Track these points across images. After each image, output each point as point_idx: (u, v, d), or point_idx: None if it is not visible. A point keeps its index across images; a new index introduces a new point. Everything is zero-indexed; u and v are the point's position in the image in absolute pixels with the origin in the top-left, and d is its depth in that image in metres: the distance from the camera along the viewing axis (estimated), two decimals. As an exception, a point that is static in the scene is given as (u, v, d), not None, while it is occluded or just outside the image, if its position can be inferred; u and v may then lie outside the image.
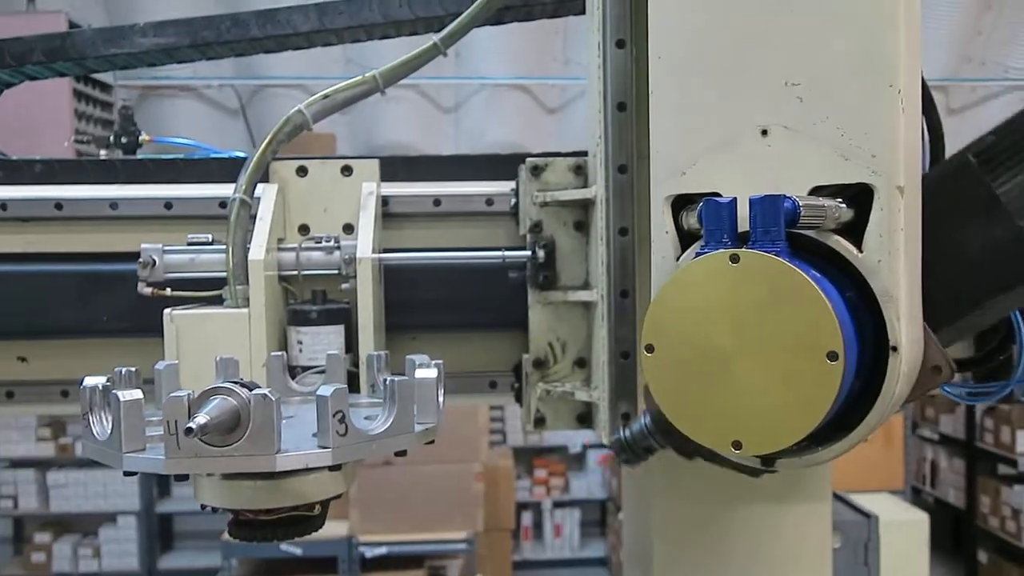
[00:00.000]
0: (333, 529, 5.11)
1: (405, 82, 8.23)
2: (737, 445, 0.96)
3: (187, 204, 1.87)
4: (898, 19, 1.01)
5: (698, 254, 0.99)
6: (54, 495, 7.44)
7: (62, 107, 5.25)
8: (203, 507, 1.15)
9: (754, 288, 0.93)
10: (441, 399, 1.20)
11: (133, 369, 1.16)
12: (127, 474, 1.07)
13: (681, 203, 1.09)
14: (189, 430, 0.98)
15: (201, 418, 0.99)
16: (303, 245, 1.76)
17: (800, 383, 0.93)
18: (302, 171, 1.84)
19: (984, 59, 7.55)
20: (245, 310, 1.63)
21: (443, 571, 5.43)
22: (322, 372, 1.52)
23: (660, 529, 1.93)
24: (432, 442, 1.19)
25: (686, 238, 1.09)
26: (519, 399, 1.86)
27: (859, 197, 1.02)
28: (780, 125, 1.04)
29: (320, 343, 1.67)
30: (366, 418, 1.13)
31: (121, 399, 1.03)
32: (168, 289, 1.69)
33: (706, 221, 0.97)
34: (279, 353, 1.41)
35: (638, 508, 2.10)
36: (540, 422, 1.78)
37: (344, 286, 1.71)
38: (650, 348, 0.99)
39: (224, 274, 1.65)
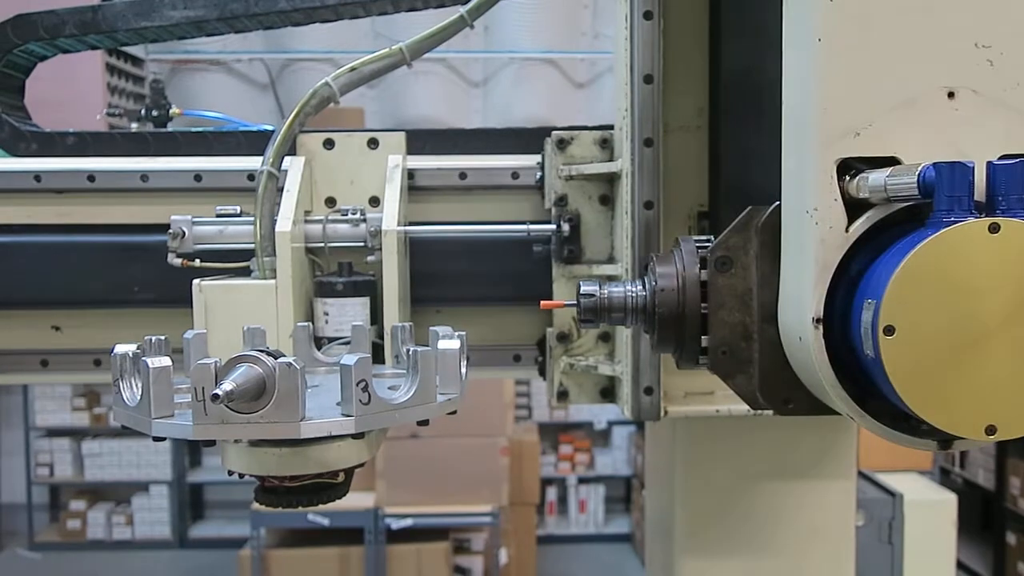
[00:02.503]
0: (359, 500, 5.18)
1: (433, 56, 8.16)
2: (991, 430, 0.90)
3: (216, 176, 1.89)
4: None
5: (937, 223, 0.89)
6: (88, 464, 7.60)
7: (95, 81, 5.30)
8: (230, 473, 1.18)
9: (1016, 260, 0.87)
10: (464, 370, 1.21)
11: (163, 337, 1.19)
12: (156, 439, 1.10)
13: (843, 169, 1.00)
14: (215, 396, 1.00)
15: (227, 385, 1.01)
16: (329, 217, 1.78)
17: None
18: (329, 144, 1.85)
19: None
20: (272, 281, 1.65)
21: (467, 543, 5.49)
22: (347, 343, 1.55)
23: (682, 503, 1.93)
24: (454, 412, 1.20)
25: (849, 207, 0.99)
26: (542, 373, 1.87)
27: None
28: (968, 88, 0.98)
29: (346, 315, 1.69)
30: (389, 388, 1.14)
31: (150, 366, 1.05)
32: (197, 260, 1.72)
33: (946, 186, 0.88)
34: (305, 324, 1.43)
35: (661, 482, 2.10)
36: (563, 395, 1.79)
37: (370, 258, 1.73)
38: (890, 330, 0.88)
39: (252, 246, 1.67)
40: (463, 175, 1.88)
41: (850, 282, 0.98)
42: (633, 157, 1.58)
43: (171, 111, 2.55)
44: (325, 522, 5.07)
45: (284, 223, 1.67)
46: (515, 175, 1.87)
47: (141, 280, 1.86)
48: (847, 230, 0.99)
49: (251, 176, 1.88)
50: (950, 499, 4.50)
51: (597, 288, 1.27)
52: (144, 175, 1.87)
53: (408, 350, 1.13)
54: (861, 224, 0.99)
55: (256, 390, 1.03)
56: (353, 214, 1.77)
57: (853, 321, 0.95)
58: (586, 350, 1.79)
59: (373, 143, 1.85)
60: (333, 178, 1.86)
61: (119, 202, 1.89)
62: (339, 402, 1.11)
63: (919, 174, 0.89)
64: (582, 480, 7.88)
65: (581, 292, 1.27)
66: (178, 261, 1.72)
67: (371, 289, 1.72)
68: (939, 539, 4.15)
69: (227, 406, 1.02)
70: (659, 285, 1.19)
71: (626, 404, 1.65)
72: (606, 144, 1.76)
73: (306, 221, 1.77)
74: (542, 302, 1.39)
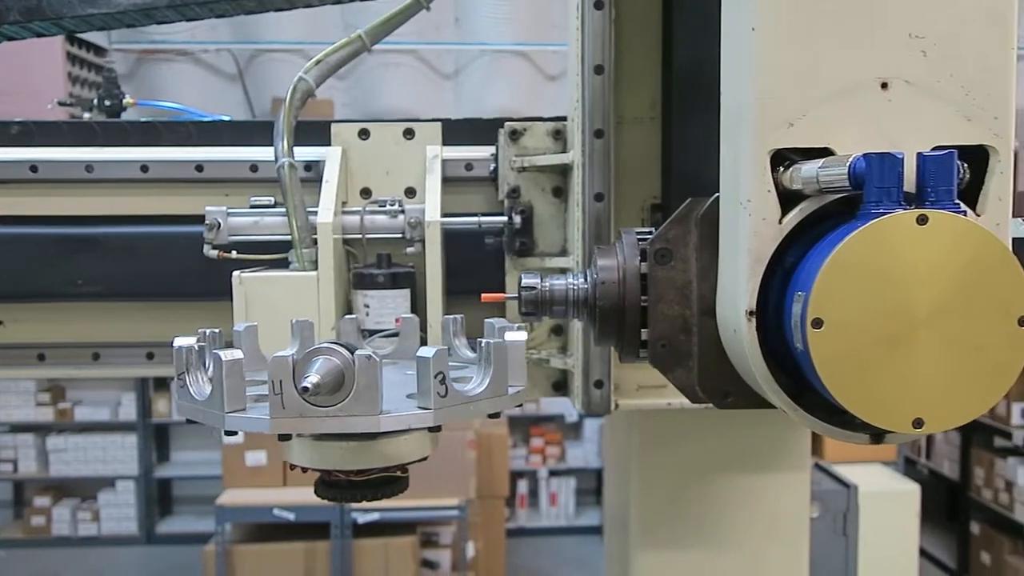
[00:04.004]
0: (326, 495, 5.14)
1: (404, 48, 8.11)
2: (918, 423, 0.89)
3: (165, 167, 1.85)
4: None
5: (866, 215, 0.88)
6: (53, 459, 7.50)
7: (55, 70, 5.20)
8: (292, 467, 1.15)
9: (944, 252, 0.86)
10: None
11: (217, 330, 1.17)
12: (228, 434, 1.07)
13: (777, 160, 0.99)
14: (305, 389, 0.99)
15: (314, 377, 1.00)
16: (367, 208, 1.76)
17: (990, 350, 0.88)
18: (364, 134, 1.83)
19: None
20: (314, 273, 1.63)
21: (435, 537, 5.47)
22: (392, 336, 1.55)
23: (638, 497, 1.93)
24: (521, 405, 1.20)
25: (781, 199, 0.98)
26: (496, 366, 1.85)
27: (967, 159, 0.97)
28: (902, 79, 0.97)
29: (387, 307, 1.67)
30: (454, 380, 1.13)
31: (223, 359, 1.03)
32: (234, 252, 1.69)
33: (875, 178, 0.87)
34: (352, 316, 1.42)
35: (619, 476, 2.10)
36: (516, 389, 1.77)
37: (409, 250, 1.72)
38: (818, 323, 0.87)
39: (280, 238, 1.66)
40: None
41: (785, 274, 0.97)
42: (584, 149, 1.57)
43: (125, 101, 2.50)
44: (291, 517, 5.03)
45: (325, 214, 1.66)
46: (469, 166, 1.85)
47: (86, 273, 1.82)
48: (780, 222, 0.98)
49: (199, 167, 1.85)
50: (912, 490, 4.55)
51: (538, 281, 1.25)
52: (89, 165, 1.83)
53: (482, 342, 1.12)
54: (794, 216, 0.98)
55: (336, 383, 1.02)
56: (391, 205, 1.75)
57: (786, 314, 0.94)
58: (539, 343, 1.78)
59: (409, 133, 1.83)
60: (368, 169, 1.83)
61: (63, 193, 1.85)
62: (409, 394, 1.10)
63: (850, 165, 0.88)
64: (553, 473, 7.89)
65: (522, 285, 1.25)
66: (214, 253, 1.70)
67: (411, 281, 1.70)
68: (900, 530, 4.20)
69: (305, 399, 1.00)
70: (600, 278, 1.18)
71: (577, 398, 1.64)
72: (559, 135, 1.74)
73: (343, 212, 1.75)
74: (483, 295, 1.37)
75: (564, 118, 1.76)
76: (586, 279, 1.22)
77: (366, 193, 1.83)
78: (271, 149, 1.86)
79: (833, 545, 3.57)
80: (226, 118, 2.06)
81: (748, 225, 0.99)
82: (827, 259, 0.87)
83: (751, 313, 0.98)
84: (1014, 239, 1.02)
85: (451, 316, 1.33)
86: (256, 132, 1.91)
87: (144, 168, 1.84)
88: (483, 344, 1.11)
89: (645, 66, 1.69)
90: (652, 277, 1.14)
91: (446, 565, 5.46)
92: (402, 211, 1.74)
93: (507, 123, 1.74)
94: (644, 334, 1.16)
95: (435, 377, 1.03)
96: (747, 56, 0.99)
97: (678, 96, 1.66)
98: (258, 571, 5.14)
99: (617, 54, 1.59)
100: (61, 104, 2.73)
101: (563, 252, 1.74)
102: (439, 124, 1.84)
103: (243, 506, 5.18)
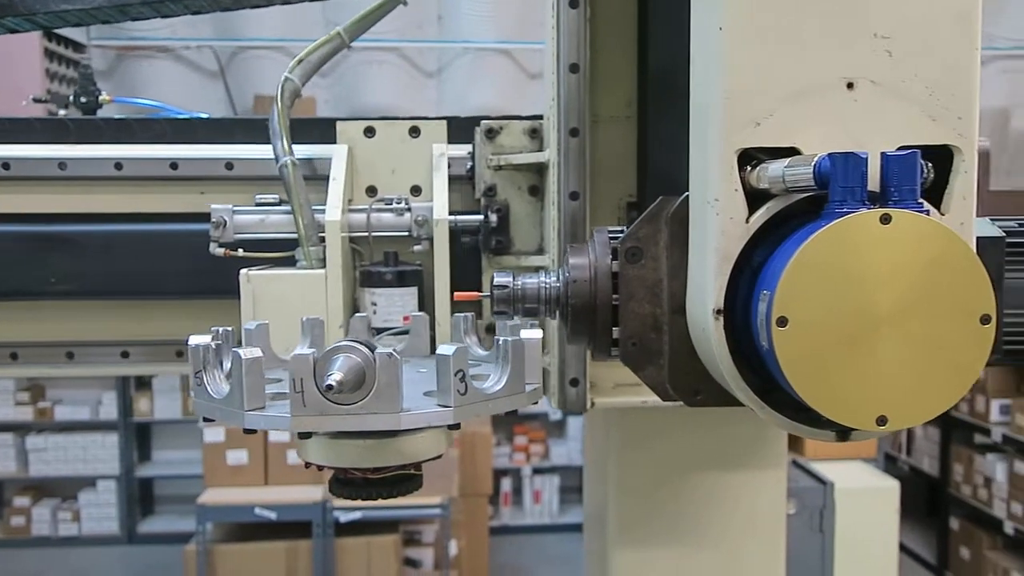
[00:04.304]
0: (307, 493, 5.14)
1: (387, 45, 8.07)
2: (882, 420, 0.89)
3: (138, 164, 1.84)
4: None
5: (830, 215, 0.88)
6: (33, 459, 7.43)
7: (33, 67, 5.16)
8: (307, 465, 1.14)
9: (907, 251, 0.87)
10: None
11: (230, 328, 1.17)
12: (247, 431, 1.07)
13: (744, 159, 0.99)
14: (329, 387, 0.99)
15: (338, 375, 0.99)
16: (374, 206, 1.76)
17: (952, 348, 0.88)
18: (370, 131, 1.83)
19: None
20: (322, 271, 1.63)
21: (418, 535, 5.47)
22: (401, 333, 1.54)
23: (616, 494, 1.93)
24: (537, 403, 1.20)
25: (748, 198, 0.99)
26: (474, 364, 1.85)
27: (932, 159, 0.98)
28: (867, 79, 0.97)
29: (395, 304, 1.67)
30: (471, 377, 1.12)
31: (243, 356, 1.02)
32: (240, 250, 1.69)
33: (840, 177, 0.87)
34: (363, 314, 1.42)
35: (597, 474, 2.10)
36: (493, 388, 1.77)
37: (416, 248, 1.72)
38: (783, 321, 0.87)
39: (287, 236, 1.66)
40: (393, 164, 1.85)
41: (752, 272, 0.97)
42: (560, 147, 1.57)
43: (101, 98, 2.47)
44: (272, 516, 5.01)
45: (333, 212, 1.65)
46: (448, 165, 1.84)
47: (59, 271, 1.81)
48: (748, 221, 0.98)
49: (174, 165, 1.84)
50: (891, 486, 4.58)
51: (511, 279, 1.25)
52: (62, 163, 1.82)
53: (499, 340, 1.12)
54: (761, 215, 0.98)
55: (357, 381, 1.01)
56: (397, 203, 1.75)
57: (753, 312, 0.94)
58: (515, 342, 1.77)
59: (415, 131, 1.83)
60: (374, 167, 1.83)
61: (36, 191, 1.83)
62: (427, 392, 1.10)
63: (815, 165, 0.89)
64: (537, 471, 7.90)
65: (494, 283, 1.25)
66: (220, 251, 1.69)
67: (418, 279, 1.70)
68: (879, 526, 4.22)
69: (326, 397, 1.00)
70: (571, 276, 1.18)
71: (553, 396, 1.64)
72: (535, 134, 1.74)
73: (350, 210, 1.75)
74: (455, 293, 1.37)
75: (541, 117, 1.76)
76: (558, 278, 1.23)
77: (372, 191, 1.82)
78: (247, 147, 1.86)
79: (809, 542, 3.60)
80: (203, 115, 2.05)
81: (716, 224, 0.99)
82: (791, 258, 0.87)
83: (719, 312, 0.99)
84: (980, 238, 1.03)
85: (462, 314, 1.33)
86: (232, 129, 1.90)
87: (118, 166, 1.82)
88: (500, 342, 1.11)
89: (621, 65, 1.69)
90: (623, 275, 1.14)
91: (429, 563, 5.46)
92: (408, 209, 1.74)
93: (483, 121, 1.74)
94: (616, 332, 1.16)
95: (455, 375, 1.04)
96: (715, 56, 0.99)
97: (654, 95, 1.66)
98: (240, 570, 5.13)
99: (593, 53, 1.60)
100: (36, 100, 2.70)
101: (539, 250, 1.74)
102: (445, 122, 1.85)
103: (224, 505, 5.16)
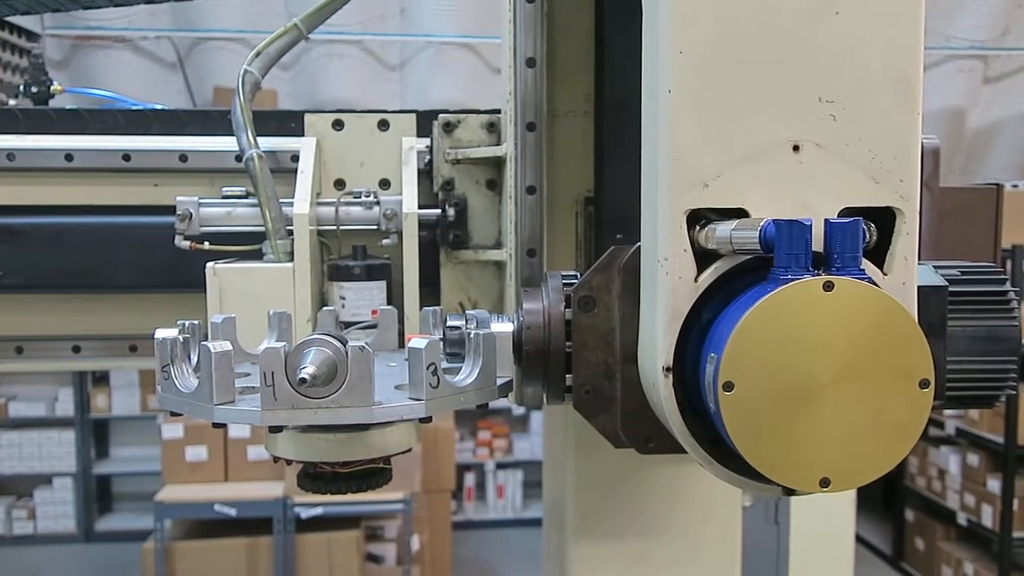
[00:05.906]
0: (268, 489, 5.09)
1: (350, 38, 7.99)
2: (825, 482, 0.91)
3: (90, 156, 1.81)
4: (920, 47, 1.00)
5: (775, 280, 0.90)
6: (-14, 457, 7.30)
7: (-16, 56, 5.03)
8: (276, 460, 1.13)
9: (849, 317, 0.88)
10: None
11: (196, 321, 1.15)
12: (216, 426, 1.06)
13: (694, 219, 1.00)
14: (303, 380, 0.98)
15: (310, 368, 0.98)
16: (342, 200, 1.74)
17: (893, 412, 0.90)
18: (338, 124, 1.82)
19: None
20: (290, 265, 1.61)
21: (380, 531, 5.45)
22: (369, 327, 1.53)
23: (574, 488, 1.94)
24: (506, 396, 1.21)
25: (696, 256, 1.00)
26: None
27: (875, 219, 1.00)
28: (812, 142, 0.99)
29: (363, 298, 1.66)
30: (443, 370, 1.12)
31: (212, 350, 1.01)
32: (206, 243, 1.66)
33: (784, 244, 0.89)
34: (331, 308, 1.41)
35: (555, 467, 2.11)
36: (451, 383, 1.77)
37: (385, 241, 1.71)
38: (729, 386, 0.89)
39: (254, 229, 1.65)
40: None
41: (702, 330, 0.98)
42: (516, 141, 1.57)
43: (52, 88, 2.43)
44: (232, 512, 4.96)
45: (302, 205, 1.64)
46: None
47: (8, 264, 1.77)
48: (696, 280, 1.00)
49: (127, 156, 1.81)
50: (848, 479, 4.63)
51: (463, 323, 1.25)
52: (11, 154, 1.78)
53: (470, 333, 1.12)
54: (710, 274, 0.99)
55: (329, 374, 1.01)
56: (366, 196, 1.74)
57: (702, 370, 0.95)
58: (473, 336, 1.78)
59: (384, 125, 1.83)
60: (342, 160, 1.82)
61: (-17, 182, 1.79)
62: (398, 385, 1.09)
63: (760, 230, 0.90)
64: (500, 465, 7.91)
65: (447, 325, 1.26)
66: (186, 244, 1.66)
67: (386, 273, 1.69)
68: (835, 517, 4.28)
69: (298, 391, 0.99)
70: (526, 322, 1.18)
71: (511, 391, 1.64)
72: (493, 128, 1.74)
73: (318, 203, 1.73)
74: (407, 335, 1.38)
75: (499, 111, 1.76)
76: (512, 322, 1.23)
77: (340, 184, 1.81)
78: (202, 139, 1.83)
79: (765, 533, 3.64)
80: (157, 107, 2.01)
81: (665, 283, 1.00)
82: (737, 325, 0.88)
83: (667, 369, 1.00)
84: (922, 287, 1.04)
85: (431, 308, 1.33)
86: (187, 121, 1.88)
87: (69, 157, 1.79)
88: (471, 335, 1.11)
89: (578, 60, 1.70)
90: (576, 324, 1.15)
91: (391, 559, 5.44)
92: (377, 202, 1.73)
93: (441, 115, 1.74)
94: (569, 379, 1.17)
95: (427, 368, 1.03)
96: (663, 117, 1.00)
97: (611, 90, 1.66)
98: (199, 568, 5.07)
99: (550, 47, 1.60)
100: (-14, 90, 2.64)
101: (497, 244, 1.74)
102: (414, 115, 1.84)
103: (183, 502, 5.10)
